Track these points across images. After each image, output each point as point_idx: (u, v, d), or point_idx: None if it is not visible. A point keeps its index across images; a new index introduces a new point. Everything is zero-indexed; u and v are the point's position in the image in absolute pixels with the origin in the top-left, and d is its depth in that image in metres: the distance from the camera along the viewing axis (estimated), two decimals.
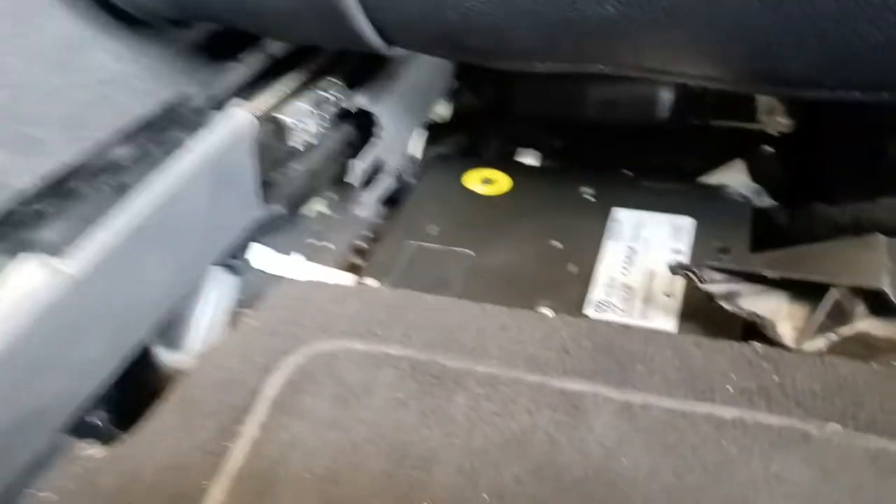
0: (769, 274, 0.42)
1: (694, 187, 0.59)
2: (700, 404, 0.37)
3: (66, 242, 0.35)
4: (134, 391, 0.46)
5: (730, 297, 0.44)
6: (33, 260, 0.32)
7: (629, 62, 0.41)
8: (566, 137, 0.66)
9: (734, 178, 0.59)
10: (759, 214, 0.56)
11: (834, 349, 0.41)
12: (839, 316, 0.42)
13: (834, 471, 0.33)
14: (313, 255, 0.58)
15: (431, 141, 0.65)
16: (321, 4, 0.40)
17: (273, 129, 0.49)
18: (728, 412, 0.36)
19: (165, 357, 0.49)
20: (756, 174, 0.58)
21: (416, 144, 0.63)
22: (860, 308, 0.42)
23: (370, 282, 0.53)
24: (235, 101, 0.48)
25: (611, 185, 0.59)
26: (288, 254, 0.55)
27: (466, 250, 0.55)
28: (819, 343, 0.41)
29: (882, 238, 0.44)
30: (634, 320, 0.48)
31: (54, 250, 0.35)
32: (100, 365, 0.37)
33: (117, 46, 0.49)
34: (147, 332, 0.41)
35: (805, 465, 0.33)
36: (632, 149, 0.58)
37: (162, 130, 0.47)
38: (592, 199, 0.58)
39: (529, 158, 0.64)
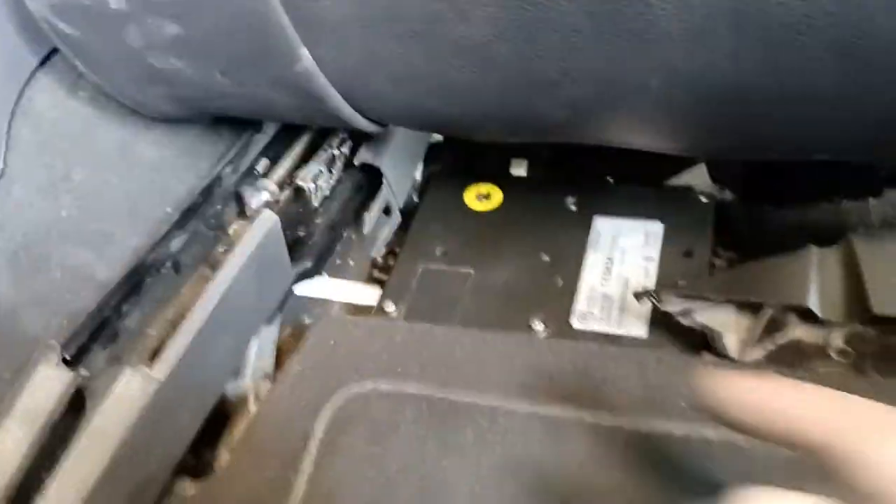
0: (714, 298, 0.51)
1: (664, 191, 0.67)
2: (658, 422, 0.46)
3: (151, 346, 0.46)
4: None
5: (686, 313, 0.53)
6: (131, 371, 0.42)
7: (592, 139, 0.49)
8: (553, 146, 0.73)
9: (700, 178, 0.66)
10: (722, 213, 0.64)
11: (771, 358, 0.50)
12: (774, 328, 0.51)
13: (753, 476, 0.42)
14: (339, 272, 0.68)
15: (429, 159, 0.73)
16: (314, 103, 0.48)
17: (293, 194, 0.58)
18: (679, 428, 0.45)
19: (230, 388, 0.59)
20: (717, 175, 0.66)
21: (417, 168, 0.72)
22: (793, 319, 0.51)
23: (389, 305, 0.62)
24: (262, 180, 0.57)
25: (592, 193, 0.67)
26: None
27: (468, 270, 0.64)
28: (758, 353, 0.50)
29: (814, 250, 0.52)
30: (612, 328, 0.57)
31: (144, 358, 0.45)
32: (189, 430, 0.47)
33: (157, 136, 0.57)
34: (220, 389, 0.52)
35: (736, 477, 0.43)
36: (611, 154, 0.66)
37: (204, 213, 0.56)
38: (575, 209, 0.67)
39: (521, 169, 0.72)
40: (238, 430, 0.56)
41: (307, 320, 0.65)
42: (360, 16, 0.40)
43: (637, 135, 0.47)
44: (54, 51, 0.51)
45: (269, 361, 0.61)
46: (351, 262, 0.69)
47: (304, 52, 0.42)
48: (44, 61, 0.51)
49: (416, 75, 0.43)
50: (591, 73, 0.40)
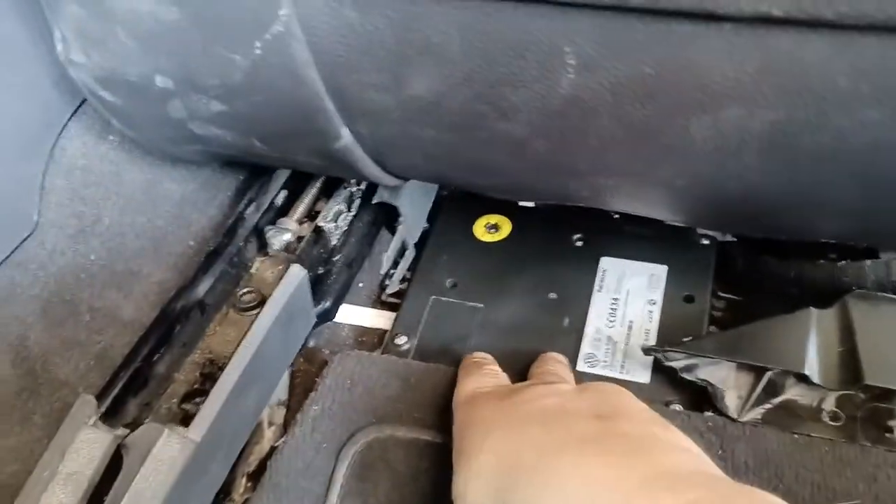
0: (716, 358, 0.54)
1: (666, 230, 0.69)
2: None
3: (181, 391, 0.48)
4: None
5: (689, 368, 0.56)
6: (168, 433, 0.44)
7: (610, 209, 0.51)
8: None
9: None
10: (723, 255, 0.67)
11: (767, 419, 0.53)
12: (772, 389, 0.54)
13: None
14: (349, 295, 0.69)
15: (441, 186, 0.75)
16: (347, 168, 0.50)
17: (313, 235, 0.59)
18: None
19: None
20: None
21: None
22: (790, 381, 0.54)
23: (401, 338, 0.64)
24: (283, 220, 0.58)
25: (598, 229, 0.69)
26: None
27: (478, 304, 0.66)
28: (756, 413, 0.54)
29: (813, 313, 0.55)
30: (616, 373, 0.60)
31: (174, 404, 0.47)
32: (220, 478, 0.50)
33: (181, 173, 0.59)
34: (248, 435, 0.54)
35: None
36: None
37: (228, 252, 0.57)
38: (581, 245, 0.69)
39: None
40: (253, 457, 0.59)
41: (317, 343, 0.67)
42: (403, 108, 0.41)
43: (655, 211, 0.50)
44: (85, 100, 0.52)
45: (283, 388, 0.63)
46: (360, 285, 0.71)
47: (345, 131, 0.44)
48: (75, 110, 0.52)
49: (449, 155, 0.45)
50: (620, 169, 0.42)
